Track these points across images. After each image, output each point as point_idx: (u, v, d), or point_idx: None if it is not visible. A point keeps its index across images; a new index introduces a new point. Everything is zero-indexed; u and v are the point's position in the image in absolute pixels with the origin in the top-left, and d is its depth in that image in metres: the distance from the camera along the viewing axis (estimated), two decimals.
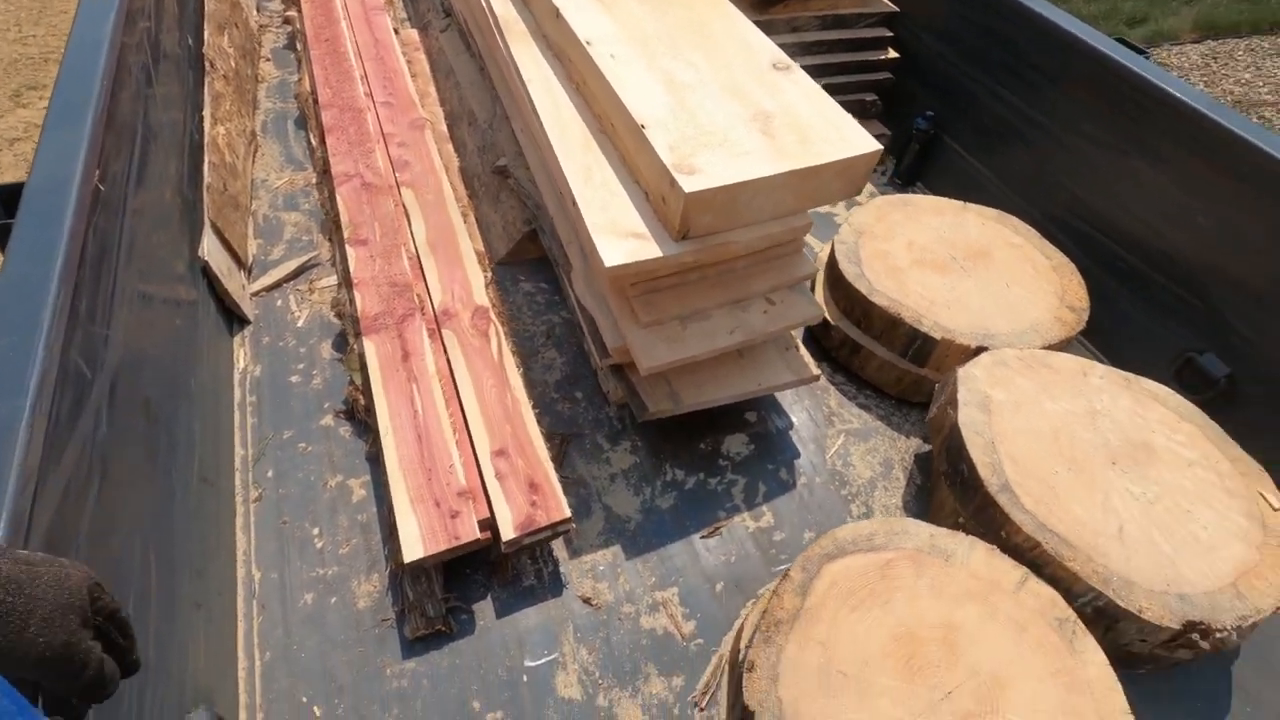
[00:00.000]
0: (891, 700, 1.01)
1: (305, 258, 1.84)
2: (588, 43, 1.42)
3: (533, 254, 1.88)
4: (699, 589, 1.33)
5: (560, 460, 1.50)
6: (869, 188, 2.30)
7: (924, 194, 2.25)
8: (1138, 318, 1.72)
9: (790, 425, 1.61)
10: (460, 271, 1.63)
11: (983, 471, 1.25)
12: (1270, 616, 1.12)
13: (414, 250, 1.67)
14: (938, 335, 1.52)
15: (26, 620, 0.55)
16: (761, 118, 1.27)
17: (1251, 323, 1.50)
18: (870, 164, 1.26)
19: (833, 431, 1.61)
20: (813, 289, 1.79)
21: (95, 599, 0.63)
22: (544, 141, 1.41)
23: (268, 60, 2.57)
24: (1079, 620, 1.10)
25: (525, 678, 1.20)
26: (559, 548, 1.37)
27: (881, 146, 1.24)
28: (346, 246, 1.64)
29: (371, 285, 1.56)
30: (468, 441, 1.33)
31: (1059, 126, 1.83)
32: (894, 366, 1.62)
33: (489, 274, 1.74)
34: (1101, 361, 1.81)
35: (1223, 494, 1.27)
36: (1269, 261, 1.44)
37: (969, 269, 1.68)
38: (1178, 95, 1.53)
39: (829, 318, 1.69)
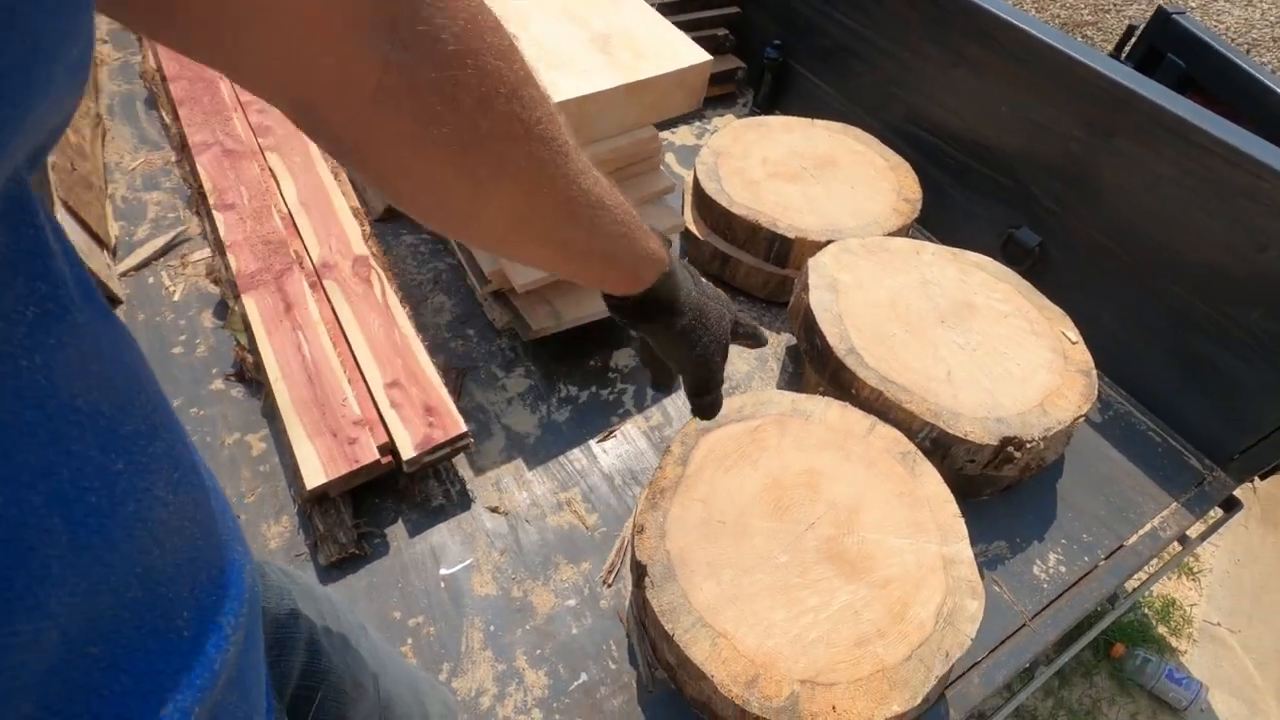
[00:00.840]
0: (764, 537, 1.16)
1: (173, 234, 1.80)
2: None
3: None
4: (599, 486, 1.44)
5: (458, 392, 1.56)
6: (730, 117, 2.44)
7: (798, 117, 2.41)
8: (966, 204, 1.93)
9: None
10: (336, 226, 1.65)
11: (832, 341, 1.40)
12: (1070, 426, 1.34)
13: (286, 210, 1.68)
14: (792, 235, 1.67)
15: (702, 336, 0.74)
16: (600, 39, 1.36)
17: (1052, 196, 1.72)
18: (703, 75, 1.37)
19: None
20: (683, 211, 1.90)
21: (733, 325, 0.81)
22: None
23: (105, 42, 2.44)
24: (919, 452, 1.27)
25: (442, 584, 1.28)
26: (464, 468, 1.44)
27: (710, 57, 1.36)
28: (214, 212, 1.63)
29: (245, 245, 1.56)
30: (360, 378, 1.38)
31: (890, 43, 2.01)
32: (760, 271, 1.76)
33: (368, 229, 1.76)
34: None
35: (1032, 336, 1.48)
36: (1059, 142, 1.66)
37: (818, 176, 1.84)
38: (980, 4, 1.72)
39: (698, 234, 1.82)
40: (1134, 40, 1.86)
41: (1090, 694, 1.81)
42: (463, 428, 1.32)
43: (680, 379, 0.82)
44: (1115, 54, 1.92)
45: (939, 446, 1.32)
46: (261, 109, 1.92)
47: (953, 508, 1.20)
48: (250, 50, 0.37)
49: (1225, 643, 1.92)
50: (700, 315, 0.73)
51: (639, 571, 1.13)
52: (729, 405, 1.32)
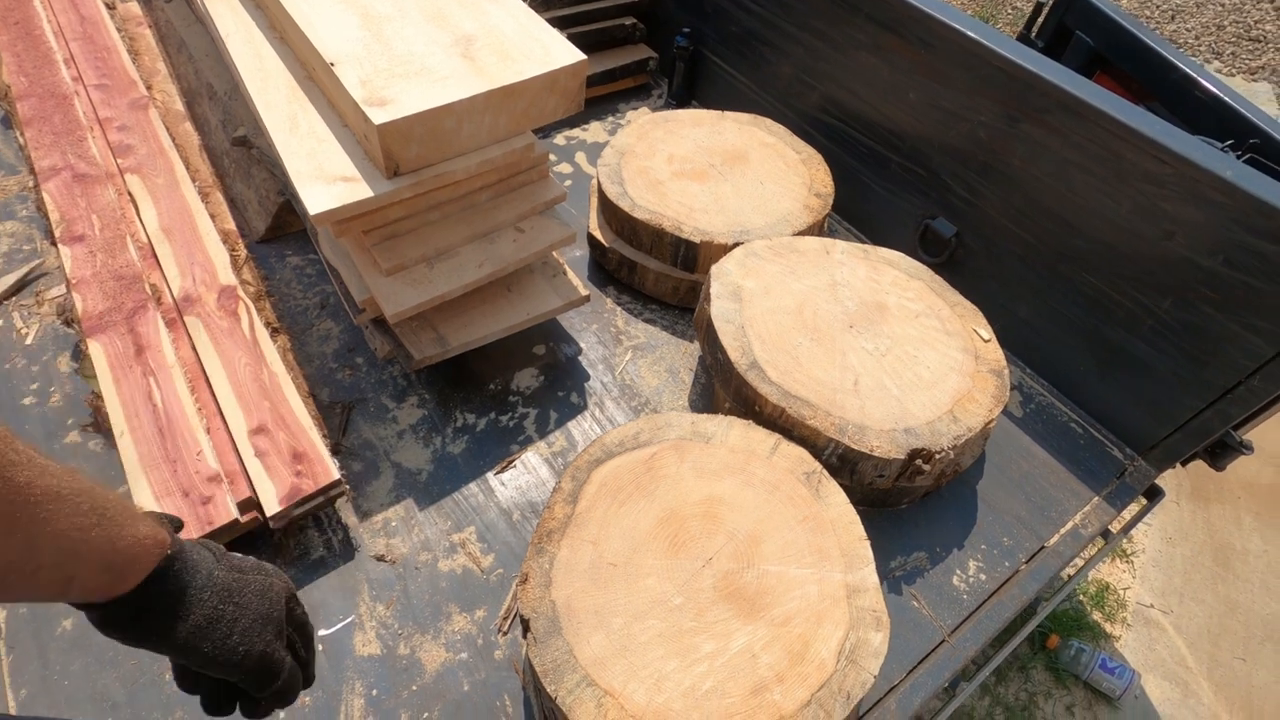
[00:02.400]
0: (658, 578, 1.08)
1: (26, 269, 1.64)
2: None
3: (297, 227, 1.78)
4: (496, 523, 1.35)
5: (344, 429, 1.45)
6: (645, 109, 2.33)
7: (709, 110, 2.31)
8: (884, 194, 1.87)
9: (579, 351, 1.64)
10: (201, 254, 1.51)
11: (733, 355, 1.32)
12: (982, 431, 1.28)
13: (145, 239, 1.53)
14: (697, 239, 1.58)
15: (232, 629, 0.60)
16: (463, 41, 1.25)
17: (965, 184, 1.66)
18: (579, 75, 1.26)
19: (620, 349, 1.65)
20: (590, 216, 1.80)
21: (291, 610, 0.67)
22: (248, 96, 1.31)
23: None
24: (824, 470, 1.20)
25: (320, 647, 1.18)
26: (347, 514, 1.33)
27: (584, 57, 1.25)
28: (60, 245, 1.47)
29: (94, 283, 1.42)
30: (222, 426, 1.26)
31: (798, 29, 1.92)
32: (669, 276, 1.67)
33: (244, 253, 1.62)
34: (861, 239, 1.96)
35: (944, 336, 1.42)
36: (968, 128, 1.59)
37: (726, 173, 1.75)
38: None
39: (604, 241, 1.72)
40: (1043, 17, 1.81)
41: (1026, 688, 1.78)
42: (334, 475, 1.21)
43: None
44: (1026, 32, 1.86)
45: (846, 462, 1.25)
46: (122, 125, 1.76)
47: (858, 530, 1.14)
48: None
49: (1158, 624, 1.91)
50: (230, 596, 0.61)
51: (523, 626, 1.05)
52: (625, 432, 1.23)
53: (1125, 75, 1.67)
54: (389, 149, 1.12)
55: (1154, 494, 1.57)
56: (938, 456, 1.23)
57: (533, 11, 1.33)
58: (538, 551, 1.10)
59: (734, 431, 1.25)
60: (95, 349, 1.32)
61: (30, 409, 1.42)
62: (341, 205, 1.11)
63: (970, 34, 1.49)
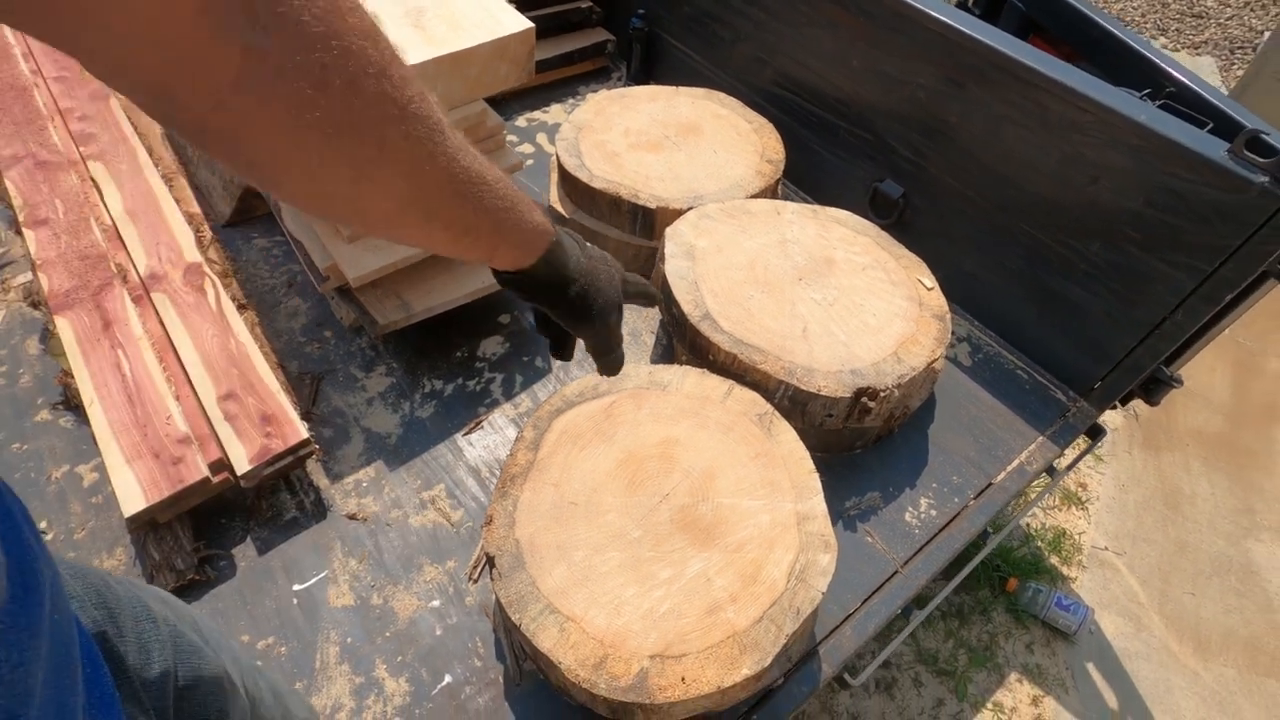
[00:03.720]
0: (617, 513, 1.13)
1: None
2: None
3: (263, 211, 1.81)
4: (465, 480, 1.39)
5: (314, 398, 1.49)
6: (604, 91, 2.38)
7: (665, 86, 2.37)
8: (834, 161, 1.93)
9: None
10: (166, 234, 1.54)
11: (687, 308, 1.38)
12: (925, 371, 1.35)
13: (110, 221, 1.55)
14: (653, 205, 1.64)
15: (595, 300, 0.76)
16: (414, 13, 1.29)
17: (909, 146, 1.73)
18: (527, 43, 1.31)
19: None
20: (550, 190, 1.85)
21: (623, 284, 0.82)
22: None
23: None
24: (775, 411, 1.26)
25: (295, 600, 1.21)
26: (319, 476, 1.37)
27: (531, 25, 1.30)
28: (24, 230, 1.49)
29: (59, 263, 1.44)
30: (191, 393, 1.29)
31: (746, 5, 1.98)
32: (628, 244, 1.73)
33: (209, 235, 1.65)
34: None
35: (889, 286, 1.48)
36: (909, 91, 1.66)
37: (680, 144, 1.81)
38: None
39: (564, 212, 1.77)
40: None
41: (988, 630, 1.86)
42: (303, 435, 1.24)
43: (580, 344, 0.84)
44: (962, 1, 1.94)
45: (796, 404, 1.31)
46: (83, 116, 1.78)
47: (808, 464, 1.20)
48: (98, 33, 0.34)
49: (1112, 565, 2.00)
50: (592, 279, 0.75)
51: (489, 563, 1.09)
52: (584, 384, 1.28)
53: (1056, 39, 1.75)
54: None
55: (1096, 433, 1.65)
56: (882, 395, 1.29)
57: None
58: (502, 495, 1.15)
59: (689, 379, 1.30)
60: (63, 325, 1.34)
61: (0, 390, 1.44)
62: None
63: (906, 0, 1.56)
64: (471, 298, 1.49)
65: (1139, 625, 1.87)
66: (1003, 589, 1.91)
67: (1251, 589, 1.95)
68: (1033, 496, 1.61)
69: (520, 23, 1.29)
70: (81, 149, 1.70)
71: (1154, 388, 1.54)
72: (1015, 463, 1.51)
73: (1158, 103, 1.38)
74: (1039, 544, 2.03)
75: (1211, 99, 1.38)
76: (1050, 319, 1.62)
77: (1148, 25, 4.41)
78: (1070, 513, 2.11)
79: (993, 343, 1.73)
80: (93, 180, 1.63)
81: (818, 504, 1.15)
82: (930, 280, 1.50)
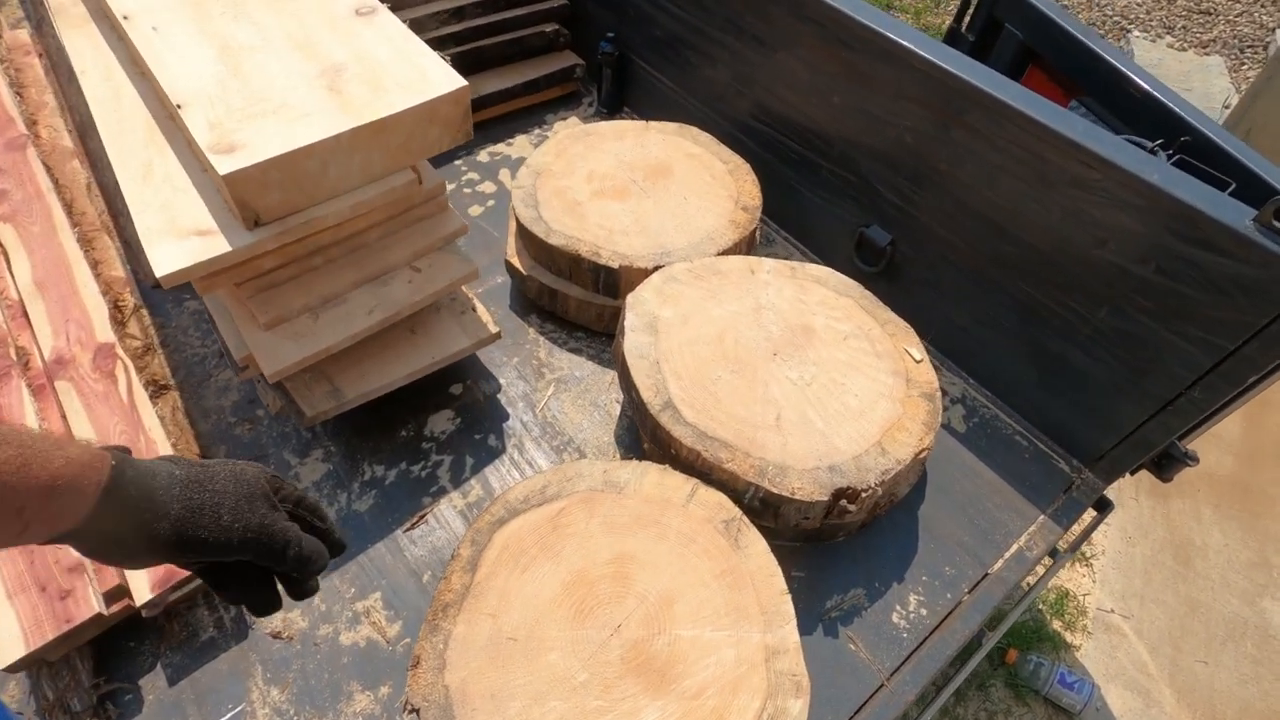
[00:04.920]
0: (562, 652, 0.99)
1: None
2: (124, 17, 1.21)
3: None
4: (405, 586, 1.26)
5: None
6: (574, 119, 2.23)
7: (631, 119, 2.22)
8: (818, 203, 1.79)
9: (499, 388, 1.55)
10: (78, 309, 1.40)
11: (646, 395, 1.24)
12: (913, 463, 1.21)
13: (16, 295, 1.41)
14: (615, 264, 1.50)
15: (218, 511, 0.59)
16: (331, 72, 1.14)
17: (895, 191, 1.58)
18: (461, 103, 1.16)
19: (542, 384, 1.56)
20: (509, 242, 1.70)
21: (276, 489, 0.67)
22: (101, 142, 1.20)
23: None
24: (743, 517, 1.12)
25: None
26: None
27: (465, 83, 1.15)
28: None
29: None
30: None
31: (721, 32, 1.83)
32: (591, 304, 1.59)
33: (131, 303, 1.51)
34: (799, 250, 1.89)
35: (873, 358, 1.34)
36: (894, 133, 1.51)
37: (648, 189, 1.66)
38: None
39: (521, 268, 1.62)
40: (972, 10, 1.73)
41: (986, 707, 1.73)
42: None
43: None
44: (956, 26, 1.79)
45: (769, 506, 1.17)
46: None
47: (779, 583, 1.06)
48: None
49: (1119, 630, 1.87)
50: (200, 485, 0.60)
51: (414, 715, 0.96)
52: (531, 485, 1.15)
53: (1055, 71, 1.60)
54: (242, 199, 1.01)
55: (1103, 506, 1.52)
56: (864, 495, 1.15)
57: (411, 34, 1.23)
58: (432, 630, 1.01)
59: (648, 478, 1.16)
60: None
61: None
62: (194, 264, 1.01)
63: (885, 32, 1.40)
64: (412, 378, 1.35)
65: (1148, 699, 1.75)
66: (1002, 661, 1.78)
67: (1269, 655, 1.82)
68: (1033, 583, 1.47)
69: (451, 81, 1.14)
70: None
71: (1166, 463, 1.40)
72: (1015, 548, 1.37)
73: (1172, 156, 1.24)
74: (1041, 607, 1.90)
75: (1234, 152, 1.23)
76: (1052, 383, 1.48)
77: (1153, 23, 4.23)
78: (1074, 570, 1.98)
79: (989, 405, 1.59)
80: (1, 246, 1.49)
81: (789, 634, 1.02)
82: (919, 351, 1.36)
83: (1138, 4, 4.36)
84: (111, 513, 0.54)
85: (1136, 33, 4.12)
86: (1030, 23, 1.59)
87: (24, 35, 2.15)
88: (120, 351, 1.34)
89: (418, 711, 0.95)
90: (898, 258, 1.65)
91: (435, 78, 1.15)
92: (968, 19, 1.75)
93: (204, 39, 1.18)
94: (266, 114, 1.06)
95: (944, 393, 1.60)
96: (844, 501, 1.15)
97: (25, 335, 1.36)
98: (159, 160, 1.14)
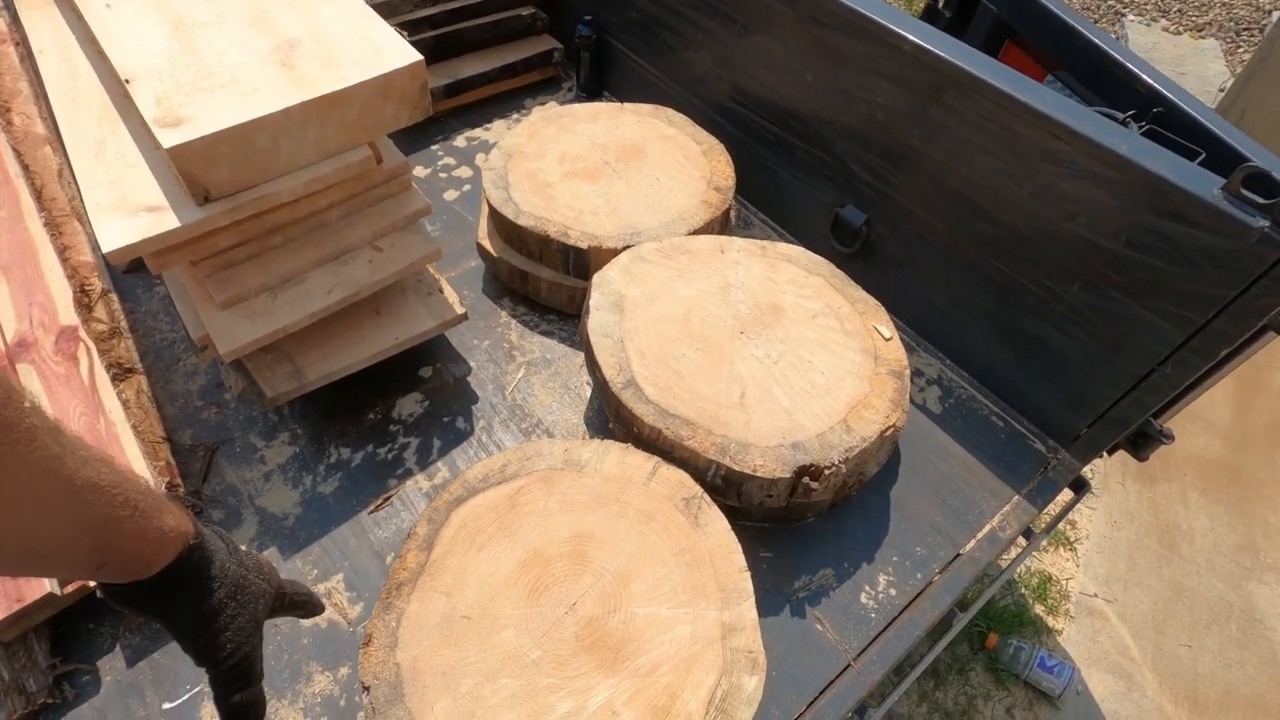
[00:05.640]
0: (516, 629, 0.98)
1: None
2: None
3: None
4: (367, 567, 1.25)
5: (205, 475, 1.34)
6: (553, 104, 2.22)
7: (612, 102, 2.20)
8: (795, 183, 1.77)
9: (469, 371, 1.53)
10: (41, 292, 1.39)
11: (609, 373, 1.22)
12: (879, 440, 1.19)
13: None
14: (585, 245, 1.48)
15: (229, 624, 0.65)
16: (284, 48, 1.13)
17: (869, 169, 1.56)
18: (417, 77, 1.15)
19: (513, 366, 1.55)
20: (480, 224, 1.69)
21: (280, 595, 0.73)
22: (54, 118, 1.19)
23: None
24: (705, 495, 1.11)
25: None
26: None
27: (420, 57, 1.13)
28: None
29: None
30: None
31: (694, 11, 1.81)
32: (562, 285, 1.57)
33: (99, 287, 1.50)
34: (776, 233, 1.87)
35: (841, 336, 1.32)
36: (866, 110, 1.49)
37: (620, 170, 1.64)
38: None
39: (492, 250, 1.61)
40: None
41: (966, 691, 1.71)
42: None
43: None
44: (933, 2, 1.76)
45: (731, 484, 1.16)
46: None
47: (738, 560, 1.05)
48: None
49: (1102, 614, 1.85)
50: (235, 591, 0.65)
51: (365, 692, 0.95)
52: (490, 464, 1.14)
53: (1033, 45, 1.57)
54: (189, 173, 1.00)
55: (1079, 486, 1.50)
56: (827, 472, 1.14)
57: (370, 10, 1.21)
58: (385, 608, 1.00)
59: (610, 457, 1.15)
60: None
61: None
62: (142, 239, 0.99)
63: (855, 6, 1.38)
64: (376, 359, 1.34)
65: (1130, 683, 1.73)
66: (982, 645, 1.77)
67: (1254, 639, 1.80)
68: (1005, 565, 1.45)
69: (407, 55, 1.13)
70: None
71: (1142, 442, 1.38)
72: (987, 528, 1.35)
73: (1143, 128, 1.21)
74: (1023, 591, 1.88)
75: (1206, 123, 1.21)
76: (1027, 363, 1.46)
77: (1148, 6, 4.18)
78: (1058, 554, 1.96)
79: (965, 385, 1.58)
80: None
81: (747, 611, 1.00)
82: (889, 329, 1.34)
83: None
84: (163, 585, 0.59)
85: (1131, 16, 4.08)
86: None
87: (0, 25, 2.14)
88: (84, 335, 1.33)
89: (368, 689, 0.94)
90: (873, 238, 1.63)
91: (390, 52, 1.14)
92: None
93: (158, 15, 1.17)
94: (215, 89, 1.05)
95: (920, 373, 1.59)
96: (808, 479, 1.13)
97: None
98: (111, 138, 1.13)
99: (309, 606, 0.79)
